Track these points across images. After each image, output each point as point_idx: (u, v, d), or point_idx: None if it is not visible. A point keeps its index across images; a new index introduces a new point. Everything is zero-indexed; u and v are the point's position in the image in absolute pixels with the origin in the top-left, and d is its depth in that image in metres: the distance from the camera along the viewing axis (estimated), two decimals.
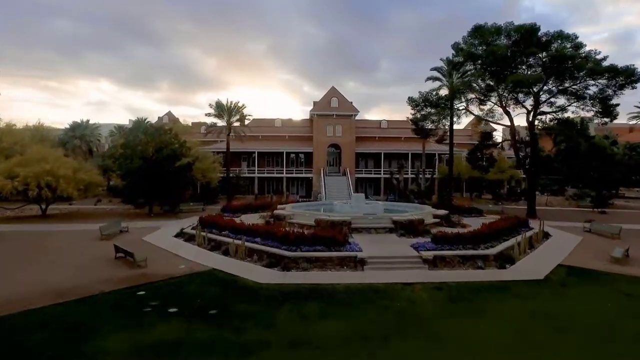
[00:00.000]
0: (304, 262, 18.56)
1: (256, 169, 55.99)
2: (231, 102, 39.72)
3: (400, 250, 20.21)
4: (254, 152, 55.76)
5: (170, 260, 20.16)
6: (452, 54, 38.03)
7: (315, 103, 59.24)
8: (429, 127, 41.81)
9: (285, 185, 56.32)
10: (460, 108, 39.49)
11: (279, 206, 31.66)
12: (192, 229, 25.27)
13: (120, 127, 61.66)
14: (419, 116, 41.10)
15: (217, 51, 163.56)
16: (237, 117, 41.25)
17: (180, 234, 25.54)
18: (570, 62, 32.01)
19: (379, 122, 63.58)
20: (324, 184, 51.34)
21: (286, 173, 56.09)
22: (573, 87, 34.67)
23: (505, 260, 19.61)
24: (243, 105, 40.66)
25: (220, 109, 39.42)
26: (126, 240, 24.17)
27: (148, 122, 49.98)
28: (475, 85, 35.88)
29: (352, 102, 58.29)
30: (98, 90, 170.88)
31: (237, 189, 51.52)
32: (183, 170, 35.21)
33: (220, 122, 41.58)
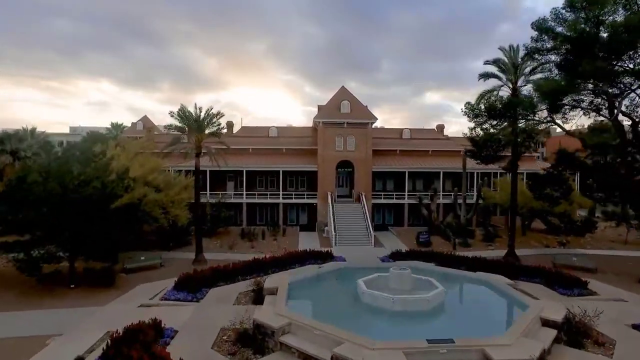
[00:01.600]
0: None
1: (244, 192, 43.51)
2: (200, 110, 27.10)
3: None
4: (243, 170, 43.37)
5: None
6: (523, 46, 25.44)
7: (320, 108, 46.69)
8: (492, 147, 28.84)
9: (283, 213, 43.86)
10: (540, 118, 26.73)
11: (265, 283, 19.19)
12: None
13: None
14: (480, 132, 28.42)
15: (217, 51, 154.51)
16: (213, 129, 28.64)
17: None
18: None
19: (400, 131, 51.01)
20: (333, 214, 38.91)
21: (283, 198, 43.62)
22: None
23: None
24: (219, 113, 27.93)
25: (186, 119, 26.85)
26: None
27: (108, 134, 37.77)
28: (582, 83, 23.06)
29: (367, 106, 45.90)
30: (98, 90, 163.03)
31: (216, 223, 39.01)
32: (121, 213, 22.86)
33: (188, 137, 29.06)
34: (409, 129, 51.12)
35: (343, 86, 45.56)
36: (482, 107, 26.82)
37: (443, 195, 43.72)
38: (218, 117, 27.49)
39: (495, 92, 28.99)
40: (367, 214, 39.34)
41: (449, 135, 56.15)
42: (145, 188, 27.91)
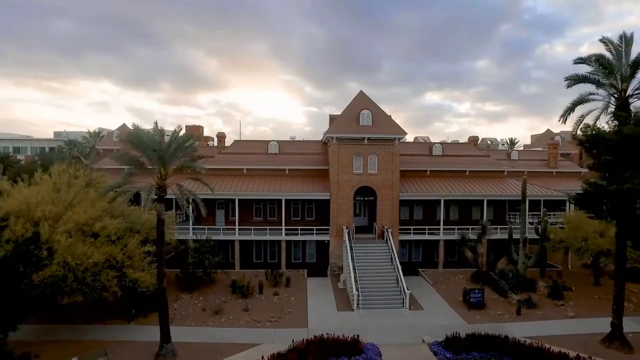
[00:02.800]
0: None
1: (237, 227, 34.26)
2: (163, 133, 17.87)
3: None
4: (235, 199, 34.23)
5: None
6: None
7: (333, 119, 37.34)
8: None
9: (286, 252, 34.63)
10: None
11: None
12: None
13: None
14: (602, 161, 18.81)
15: (218, 52, 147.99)
16: (186, 159, 19.35)
17: None
18: None
19: (429, 146, 41.63)
20: (351, 258, 29.74)
21: (287, 233, 34.38)
22: None
23: None
24: (191, 138, 18.68)
25: (142, 147, 17.50)
26: None
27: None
28: None
29: (390, 116, 36.65)
30: (100, 91, 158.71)
31: (197, 278, 29.80)
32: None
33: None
34: (440, 143, 41.79)
35: (362, 91, 36.30)
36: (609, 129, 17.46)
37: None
38: (190, 144, 18.16)
39: (601, 109, 19.77)
40: (396, 259, 30.09)
41: (458, 140, 46.93)
42: (81, 245, 18.73)
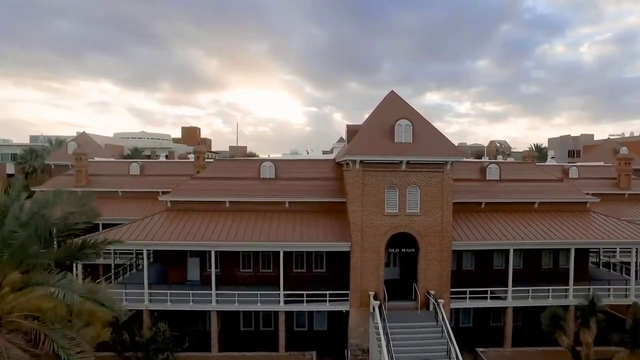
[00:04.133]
0: None
1: (214, 292, 23.34)
2: None
3: None
4: (211, 250, 23.50)
5: None
6: None
7: (352, 132, 26.18)
8: None
9: (286, 322, 23.76)
10: None
11: None
12: None
13: None
14: None
15: (218, 52, 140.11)
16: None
17: None
18: None
19: (480, 166, 30.57)
20: (384, 342, 19.01)
21: (286, 301, 23.43)
22: None
23: None
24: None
25: None
26: None
27: None
28: None
29: (443, 132, 25.79)
30: (100, 91, 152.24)
31: None
32: None
33: None
34: (495, 163, 30.99)
35: (393, 92, 25.53)
36: None
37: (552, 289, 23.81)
38: None
39: None
40: (456, 349, 19.34)
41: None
42: None
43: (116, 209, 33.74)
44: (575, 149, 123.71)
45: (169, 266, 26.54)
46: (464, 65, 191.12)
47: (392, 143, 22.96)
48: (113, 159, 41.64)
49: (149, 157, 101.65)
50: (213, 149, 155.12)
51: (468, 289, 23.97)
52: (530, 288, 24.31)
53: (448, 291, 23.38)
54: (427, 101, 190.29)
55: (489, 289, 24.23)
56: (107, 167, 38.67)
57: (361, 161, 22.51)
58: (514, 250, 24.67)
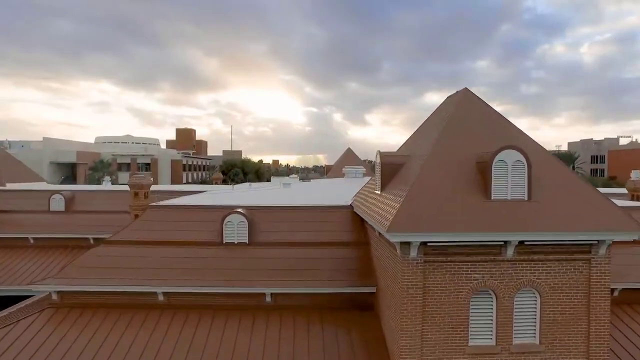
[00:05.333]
0: None
1: None
2: None
3: None
4: None
5: None
6: None
7: (387, 166, 14.00)
8: None
9: None
10: None
11: None
12: None
13: None
14: None
15: (218, 52, 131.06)
16: None
17: None
18: None
19: None
20: None
21: None
22: None
23: None
24: None
25: None
26: None
27: None
28: None
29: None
30: (100, 91, 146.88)
31: None
32: None
33: None
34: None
35: (468, 89, 13.68)
36: None
37: None
38: None
39: None
40: None
41: None
42: None
43: (11, 272, 21.89)
44: (599, 154, 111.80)
45: None
46: (464, 65, 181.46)
47: (485, 202, 10.90)
48: (27, 186, 29.84)
49: (128, 165, 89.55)
50: (209, 153, 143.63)
51: None
52: None
53: None
54: (427, 101, 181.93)
55: None
56: (19, 199, 26.93)
57: (423, 243, 10.46)
58: None
